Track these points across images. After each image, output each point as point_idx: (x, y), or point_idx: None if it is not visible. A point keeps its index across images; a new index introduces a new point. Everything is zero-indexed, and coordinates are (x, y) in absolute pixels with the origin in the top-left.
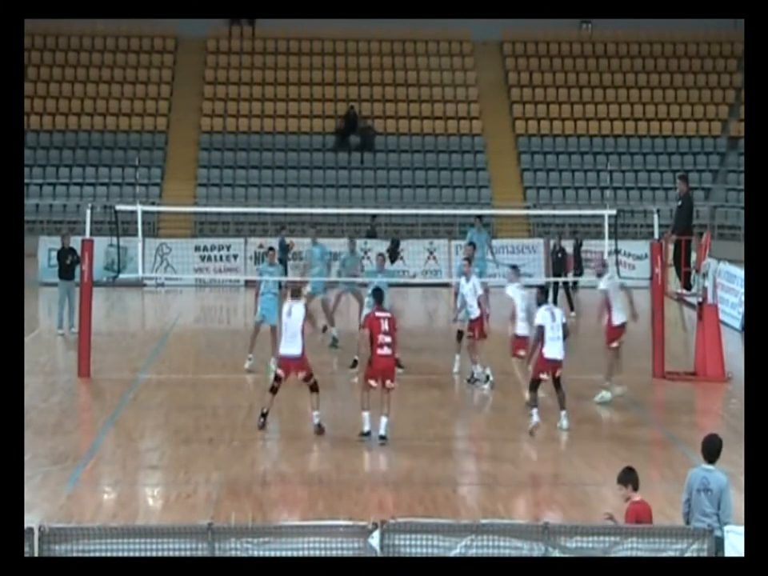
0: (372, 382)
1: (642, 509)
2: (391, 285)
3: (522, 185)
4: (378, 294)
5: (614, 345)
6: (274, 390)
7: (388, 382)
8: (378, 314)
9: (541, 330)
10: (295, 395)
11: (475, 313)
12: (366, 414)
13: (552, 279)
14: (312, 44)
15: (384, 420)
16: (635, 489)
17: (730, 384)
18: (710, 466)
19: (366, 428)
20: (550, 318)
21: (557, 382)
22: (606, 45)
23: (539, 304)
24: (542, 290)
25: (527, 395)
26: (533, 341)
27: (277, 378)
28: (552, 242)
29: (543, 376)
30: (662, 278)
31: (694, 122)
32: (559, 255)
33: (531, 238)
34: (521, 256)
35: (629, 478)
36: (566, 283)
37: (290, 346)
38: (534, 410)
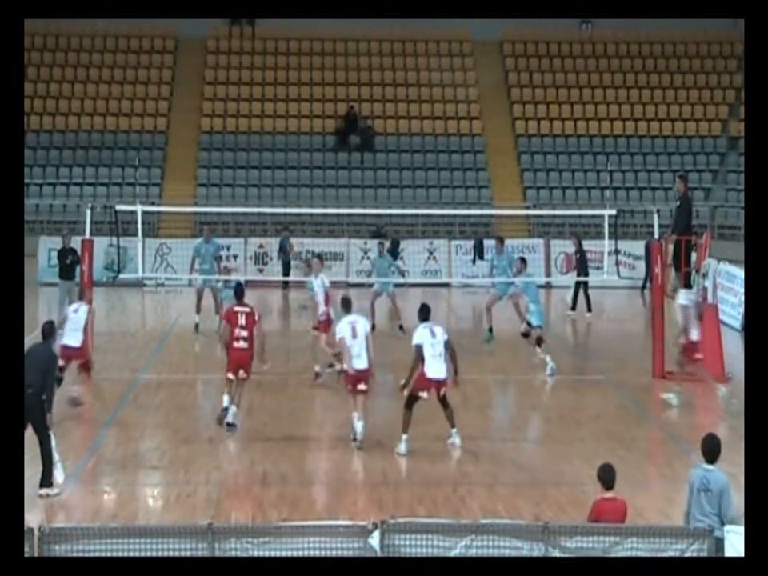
0: (230, 375)
1: (607, 507)
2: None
3: (522, 185)
4: (238, 289)
5: None
6: (60, 382)
7: (241, 372)
8: (236, 308)
9: (418, 349)
10: (294, 396)
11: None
12: (225, 397)
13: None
14: (312, 44)
15: (234, 409)
16: (606, 488)
17: (730, 384)
18: (710, 466)
19: (225, 404)
20: (430, 335)
21: (443, 399)
22: (606, 45)
23: (420, 321)
24: (423, 308)
25: (403, 412)
26: (413, 361)
27: (60, 369)
28: (566, 251)
29: (422, 394)
30: (661, 278)
31: (693, 121)
32: (577, 256)
33: (531, 238)
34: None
35: (600, 476)
36: (579, 283)
37: (71, 338)
38: (404, 437)
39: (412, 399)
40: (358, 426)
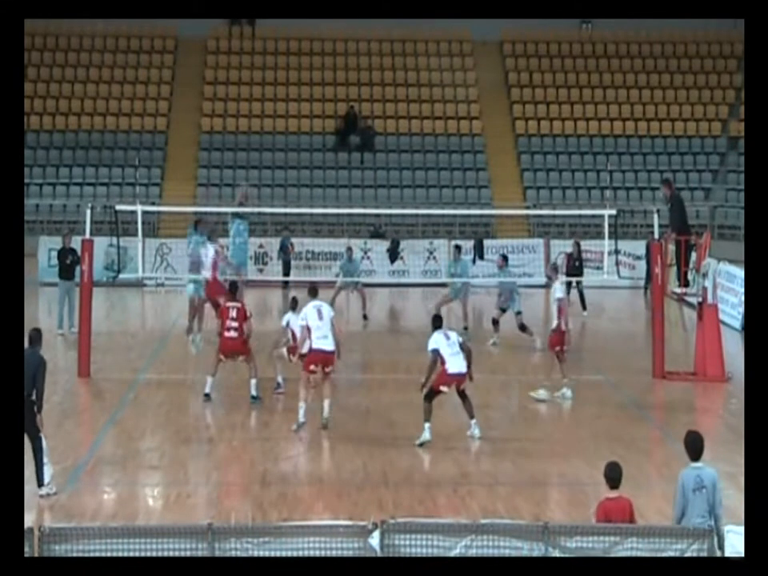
0: (222, 357)
1: (611, 506)
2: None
3: (522, 185)
4: (233, 287)
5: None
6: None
7: (240, 358)
8: (228, 304)
9: (435, 353)
10: (294, 396)
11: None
12: (210, 379)
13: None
14: (312, 44)
15: (254, 382)
16: (611, 486)
17: (730, 384)
18: (698, 464)
19: (208, 390)
20: (444, 338)
21: (462, 393)
22: (606, 45)
23: (434, 329)
24: (436, 318)
25: (423, 405)
26: (429, 364)
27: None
28: (566, 251)
29: (443, 389)
30: (662, 278)
31: (693, 122)
32: (576, 264)
33: (531, 238)
34: (521, 256)
35: (606, 474)
36: (570, 282)
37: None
38: (427, 425)
39: (433, 393)
40: (325, 405)
